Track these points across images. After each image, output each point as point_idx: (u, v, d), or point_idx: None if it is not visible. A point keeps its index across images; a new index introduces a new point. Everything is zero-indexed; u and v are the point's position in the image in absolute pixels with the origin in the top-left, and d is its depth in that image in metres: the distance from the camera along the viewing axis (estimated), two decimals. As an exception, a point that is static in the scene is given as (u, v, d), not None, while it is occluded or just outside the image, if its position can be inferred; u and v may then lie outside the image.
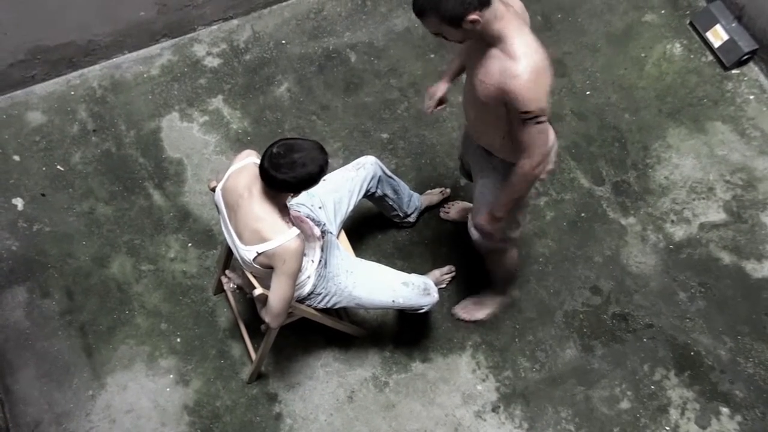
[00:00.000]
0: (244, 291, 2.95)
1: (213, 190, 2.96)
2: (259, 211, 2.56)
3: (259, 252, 2.61)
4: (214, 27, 4.15)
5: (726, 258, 3.49)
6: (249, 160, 2.68)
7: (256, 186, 2.57)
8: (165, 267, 3.53)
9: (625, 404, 3.22)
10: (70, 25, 3.80)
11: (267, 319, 2.73)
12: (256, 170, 2.58)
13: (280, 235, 2.55)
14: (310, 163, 2.48)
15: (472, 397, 3.26)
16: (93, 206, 3.66)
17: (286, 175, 2.46)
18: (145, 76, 4.01)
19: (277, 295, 2.64)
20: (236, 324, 3.33)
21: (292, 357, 3.33)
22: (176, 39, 4.11)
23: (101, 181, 3.72)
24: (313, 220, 2.91)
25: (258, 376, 3.28)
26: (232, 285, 2.93)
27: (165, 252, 3.56)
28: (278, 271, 2.60)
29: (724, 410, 3.19)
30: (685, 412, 3.20)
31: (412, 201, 3.49)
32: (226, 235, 2.75)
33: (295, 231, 2.56)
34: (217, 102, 3.94)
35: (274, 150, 2.47)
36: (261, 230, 2.56)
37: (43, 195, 3.68)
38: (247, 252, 2.62)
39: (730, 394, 3.22)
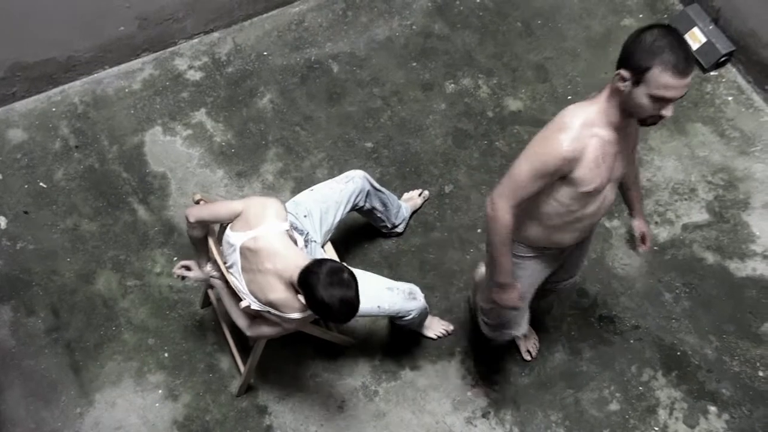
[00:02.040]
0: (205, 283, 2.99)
1: (197, 203, 2.97)
2: (280, 290, 2.58)
3: (267, 311, 2.66)
4: (195, 40, 4.16)
5: (710, 258, 3.52)
6: (280, 227, 2.63)
7: (280, 262, 2.56)
8: (151, 282, 3.52)
9: (614, 406, 3.24)
10: (50, 41, 3.79)
11: (247, 334, 2.82)
12: (286, 241, 2.60)
13: (293, 313, 2.60)
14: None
15: (462, 404, 3.26)
16: (77, 223, 3.65)
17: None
18: (126, 90, 4.00)
19: (265, 332, 2.78)
20: (224, 337, 3.32)
21: (281, 369, 3.32)
22: (157, 53, 4.11)
23: (85, 197, 3.71)
24: (296, 228, 2.91)
25: (247, 389, 3.27)
26: (190, 276, 2.93)
27: (151, 267, 3.55)
28: (278, 322, 2.70)
29: (712, 409, 3.21)
30: (674, 412, 3.22)
31: (401, 212, 3.50)
32: (228, 270, 2.76)
33: (308, 312, 2.58)
34: (199, 115, 3.94)
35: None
36: (277, 303, 2.61)
37: (26, 213, 3.66)
38: (253, 303, 2.67)
39: (717, 393, 3.24)
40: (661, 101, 2.08)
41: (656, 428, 3.19)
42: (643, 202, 2.82)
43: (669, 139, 3.80)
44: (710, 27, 3.90)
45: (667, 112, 2.11)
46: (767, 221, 3.57)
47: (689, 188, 3.67)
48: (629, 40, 2.09)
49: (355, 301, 2.47)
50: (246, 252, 2.63)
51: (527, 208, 2.41)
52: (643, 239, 2.80)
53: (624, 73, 2.08)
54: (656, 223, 3.60)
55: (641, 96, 2.08)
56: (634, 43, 2.06)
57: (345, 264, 2.54)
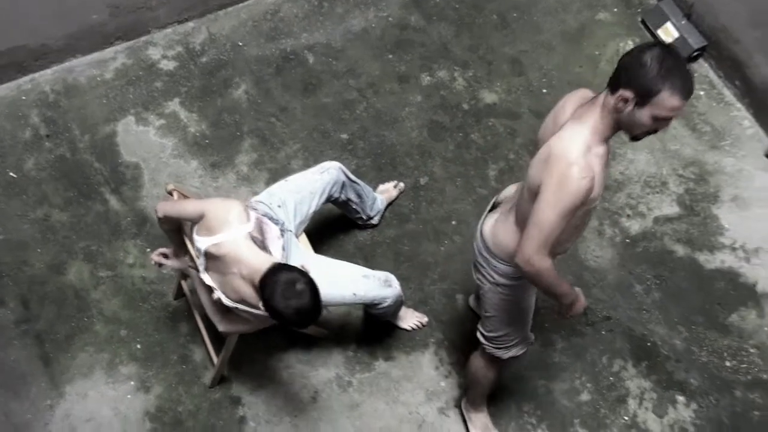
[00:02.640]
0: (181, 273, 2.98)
1: (170, 193, 2.95)
2: (250, 291, 2.56)
3: (237, 308, 2.66)
4: (169, 29, 4.12)
5: (680, 250, 3.56)
6: (241, 231, 2.61)
7: (244, 268, 2.55)
8: (124, 273, 3.49)
9: (585, 396, 3.27)
10: (19, 28, 3.73)
11: (220, 328, 2.83)
12: (248, 245, 2.58)
13: (260, 309, 2.58)
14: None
15: (435, 394, 3.28)
16: (48, 213, 3.60)
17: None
18: (98, 79, 3.96)
19: (238, 328, 2.80)
20: (197, 329, 3.30)
21: (255, 360, 3.31)
22: (130, 42, 4.07)
23: (56, 187, 3.67)
24: (271, 218, 2.91)
25: (220, 380, 3.27)
26: (168, 264, 2.92)
27: (123, 258, 3.52)
28: (251, 318, 2.70)
29: (680, 398, 3.26)
30: (643, 402, 3.26)
31: (376, 204, 3.51)
32: (197, 260, 2.75)
33: None
34: (173, 105, 3.91)
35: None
36: (250, 302, 2.60)
37: (-4, 202, 3.62)
38: (225, 300, 2.66)
39: (686, 383, 3.29)
40: (663, 121, 2.08)
41: (626, 418, 3.23)
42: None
43: (641, 133, 3.84)
44: (683, 22, 3.94)
45: (665, 126, 2.13)
46: (736, 214, 3.62)
47: (661, 181, 3.72)
48: (628, 61, 2.06)
49: (311, 310, 2.45)
50: (211, 256, 2.63)
51: None
52: None
53: (627, 94, 2.05)
54: (628, 216, 3.64)
55: (644, 116, 2.07)
56: (638, 65, 2.03)
57: (305, 268, 2.53)
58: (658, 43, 2.09)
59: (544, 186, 2.17)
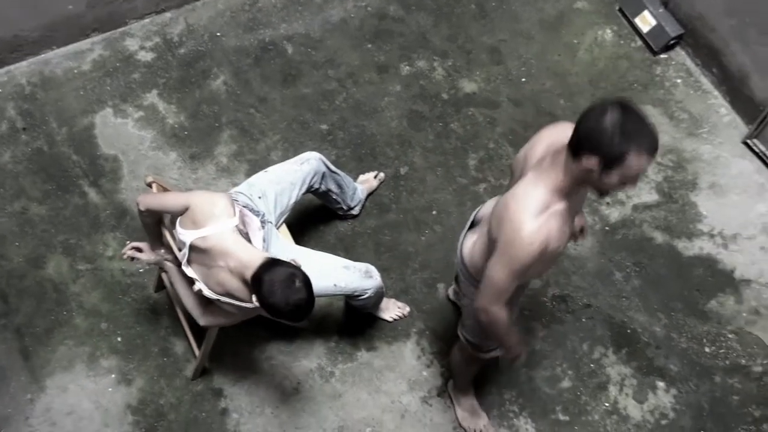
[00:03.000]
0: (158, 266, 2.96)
1: (150, 185, 2.93)
2: (237, 284, 2.56)
3: (222, 300, 2.64)
4: (147, 20, 4.08)
5: (659, 237, 3.59)
6: (228, 224, 2.60)
7: (232, 261, 2.54)
8: (103, 266, 3.47)
9: (566, 383, 3.29)
10: (-6, 20, 3.70)
11: (200, 323, 2.83)
12: (235, 238, 2.56)
13: (251, 302, 2.57)
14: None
15: (418, 383, 3.29)
16: (25, 206, 3.57)
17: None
18: (75, 71, 3.92)
19: (219, 321, 2.79)
20: (178, 321, 3.29)
21: (237, 351, 3.31)
22: (107, 33, 4.03)
23: (33, 180, 3.63)
24: (251, 210, 2.90)
25: (202, 372, 3.26)
26: (141, 258, 2.90)
27: (103, 250, 3.50)
28: (232, 311, 2.69)
29: (660, 384, 3.29)
30: (624, 388, 3.29)
31: (356, 194, 3.50)
32: (179, 253, 2.73)
33: None
34: (151, 97, 3.88)
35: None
36: (235, 295, 2.59)
37: (-28, 196, 3.59)
38: (207, 292, 2.64)
39: (666, 369, 3.32)
40: (632, 179, 2.01)
41: (607, 404, 3.26)
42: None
43: (620, 121, 3.85)
44: (660, 10, 3.96)
45: (634, 186, 2.05)
46: (713, 201, 3.66)
47: (639, 169, 3.74)
48: (589, 127, 1.95)
49: (308, 304, 2.46)
50: (196, 249, 2.62)
51: None
52: (581, 231, 2.71)
53: (592, 162, 1.96)
54: (608, 204, 3.66)
55: (612, 180, 2.00)
56: (599, 132, 1.93)
57: (296, 262, 2.52)
58: (616, 102, 1.97)
59: (497, 243, 2.18)
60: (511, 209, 2.13)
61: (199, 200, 2.64)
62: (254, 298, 2.48)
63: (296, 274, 2.43)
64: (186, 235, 2.61)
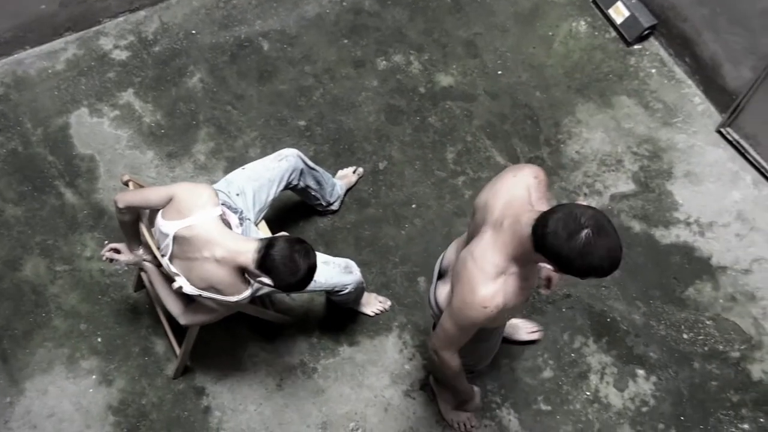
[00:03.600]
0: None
1: (126, 184, 2.91)
2: (222, 274, 2.55)
3: (205, 296, 2.63)
4: (121, 19, 4.06)
5: (636, 226, 3.62)
6: (213, 213, 2.60)
7: (218, 250, 2.53)
8: (81, 266, 3.44)
9: (547, 373, 3.32)
10: (-35, 20, 3.65)
11: (181, 322, 2.81)
12: (221, 227, 2.57)
13: (237, 295, 2.59)
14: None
15: (400, 377, 3.30)
16: (1, 208, 3.54)
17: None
18: (49, 71, 3.89)
19: (199, 319, 2.78)
20: (159, 320, 3.28)
21: (218, 349, 3.30)
22: (81, 32, 4.00)
23: (8, 181, 3.60)
24: (230, 207, 2.89)
25: (184, 371, 3.25)
26: (119, 258, 2.89)
27: (81, 251, 3.47)
28: (212, 308, 2.69)
29: (640, 372, 3.32)
30: (604, 377, 3.32)
31: (335, 190, 3.50)
32: (157, 251, 2.71)
33: (250, 290, 2.59)
34: (127, 96, 3.86)
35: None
36: (219, 288, 2.59)
37: (-54, 199, 3.54)
38: (189, 288, 2.63)
39: (645, 357, 3.35)
40: None
41: (588, 393, 3.28)
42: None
43: (596, 112, 3.89)
44: (633, 1, 3.99)
45: None
46: (689, 190, 3.69)
47: (616, 159, 3.77)
48: (553, 240, 1.88)
49: (316, 265, 2.52)
50: (180, 240, 2.60)
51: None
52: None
53: (549, 266, 1.96)
54: (585, 194, 3.68)
55: (567, 275, 1.98)
56: (563, 252, 1.88)
57: (283, 233, 2.57)
58: (589, 226, 1.86)
59: (452, 299, 2.19)
60: (468, 269, 2.12)
61: (184, 190, 2.64)
62: (265, 280, 2.48)
63: (299, 240, 2.48)
64: (169, 225, 2.59)
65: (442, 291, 2.51)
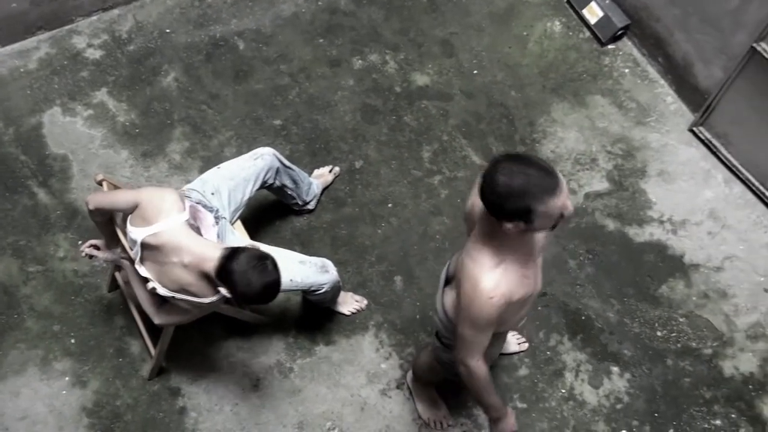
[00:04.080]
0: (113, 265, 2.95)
1: (100, 183, 2.89)
2: (191, 279, 2.54)
3: (178, 298, 2.62)
4: (94, 17, 4.02)
5: (610, 225, 3.65)
6: (179, 219, 2.58)
7: (186, 256, 2.53)
8: (55, 267, 3.41)
9: (523, 371, 3.33)
10: (-65, 18, 3.60)
11: (155, 321, 2.79)
12: (187, 232, 2.56)
13: (207, 297, 2.58)
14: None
15: (376, 376, 3.30)
16: (-28, 208, 3.50)
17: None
18: (22, 70, 3.84)
19: (174, 319, 2.77)
20: (133, 320, 3.25)
21: (194, 350, 3.28)
22: (53, 31, 3.96)
23: (-20, 181, 3.56)
24: (205, 206, 2.88)
25: (159, 372, 3.22)
26: (99, 255, 2.87)
27: (54, 251, 3.44)
28: (186, 309, 2.68)
29: (615, 369, 3.35)
30: (579, 374, 3.34)
31: (311, 189, 3.50)
32: (130, 251, 2.69)
33: (221, 293, 2.56)
34: (101, 95, 3.82)
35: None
36: (191, 290, 2.57)
37: None
38: (161, 290, 2.62)
39: (619, 354, 3.38)
40: (560, 215, 2.01)
41: (563, 390, 3.31)
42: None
43: (570, 111, 3.91)
44: (607, 1, 4.03)
45: (568, 210, 2.02)
46: (662, 188, 3.73)
47: (590, 158, 3.80)
48: (487, 193, 1.98)
49: (278, 282, 2.48)
50: (148, 246, 2.59)
51: None
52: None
53: (509, 225, 1.99)
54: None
55: (543, 225, 2.03)
56: (498, 196, 1.95)
57: (254, 245, 2.56)
58: (496, 163, 1.97)
59: (460, 304, 2.20)
60: (468, 268, 2.16)
61: (148, 196, 2.62)
62: (222, 290, 2.47)
63: (262, 256, 2.45)
64: (136, 232, 2.58)
65: (449, 297, 2.51)
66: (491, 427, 2.56)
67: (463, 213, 2.38)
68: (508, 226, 2.00)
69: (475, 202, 2.23)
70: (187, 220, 2.59)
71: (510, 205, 1.96)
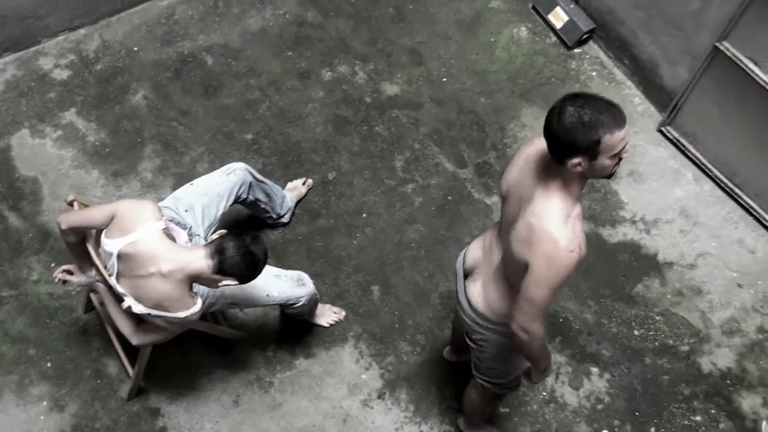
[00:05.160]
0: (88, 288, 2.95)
1: (71, 204, 2.86)
2: (169, 289, 2.53)
3: (154, 315, 2.60)
4: (60, 38, 4.00)
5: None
6: (155, 227, 2.58)
7: (165, 265, 2.51)
8: (28, 290, 3.37)
9: (503, 375, 3.34)
10: None
11: (133, 342, 2.77)
12: (164, 240, 2.56)
13: (185, 311, 2.57)
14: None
15: (357, 387, 3.29)
16: (-58, 234, 3.45)
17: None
18: (-12, 93, 3.81)
19: (151, 338, 2.74)
20: (110, 341, 3.22)
21: (172, 368, 3.26)
22: (20, 53, 3.94)
23: (-51, 207, 3.52)
24: (178, 223, 2.86)
25: (138, 392, 3.19)
26: (73, 280, 2.86)
27: (27, 275, 3.40)
28: (163, 327, 2.67)
29: (594, 370, 3.37)
30: (559, 376, 3.36)
31: (285, 202, 3.50)
32: (104, 271, 2.67)
33: (199, 305, 2.58)
34: (70, 115, 3.80)
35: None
36: (166, 305, 2.57)
37: None
38: (137, 308, 2.60)
39: (598, 354, 3.40)
40: (620, 153, 2.07)
41: (544, 393, 3.32)
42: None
43: (540, 116, 3.94)
44: (571, 6, 4.07)
45: (626, 153, 2.09)
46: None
47: (562, 162, 3.82)
48: (550, 130, 2.04)
49: (266, 247, 2.63)
50: (125, 258, 2.57)
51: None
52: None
53: (575, 160, 2.03)
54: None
55: (603, 163, 2.06)
56: (562, 131, 2.01)
57: (221, 232, 2.60)
58: (564, 99, 2.05)
59: (533, 266, 2.16)
60: (539, 228, 2.14)
61: (125, 207, 2.62)
62: (226, 281, 2.53)
63: (240, 234, 2.54)
64: (113, 244, 2.56)
65: (475, 290, 2.50)
66: (533, 374, 2.57)
67: (503, 184, 2.36)
68: (574, 161, 2.03)
69: (523, 169, 2.25)
70: (164, 230, 2.58)
71: (579, 135, 2.00)
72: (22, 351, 3.25)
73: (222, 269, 2.49)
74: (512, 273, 2.31)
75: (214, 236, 2.58)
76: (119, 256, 2.56)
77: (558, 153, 2.07)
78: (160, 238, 2.56)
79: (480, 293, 2.48)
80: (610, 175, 2.16)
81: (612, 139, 2.01)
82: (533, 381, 2.61)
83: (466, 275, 2.55)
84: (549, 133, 2.06)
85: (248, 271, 2.54)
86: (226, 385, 3.25)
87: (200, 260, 2.49)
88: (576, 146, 2.02)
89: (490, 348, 2.57)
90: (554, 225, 2.13)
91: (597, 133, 2.00)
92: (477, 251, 2.54)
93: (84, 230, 2.76)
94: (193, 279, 2.54)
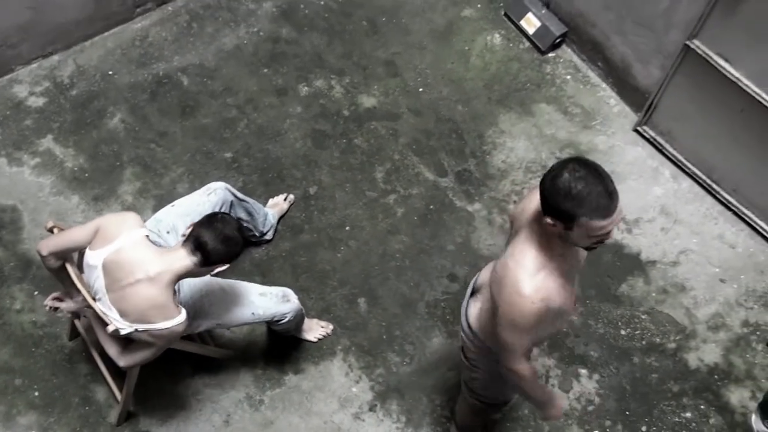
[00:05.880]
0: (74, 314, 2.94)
1: (51, 231, 2.85)
2: (156, 294, 2.53)
3: (139, 330, 2.59)
4: (34, 65, 3.98)
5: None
6: (140, 234, 2.59)
7: (152, 268, 2.52)
8: (11, 320, 3.34)
9: (493, 381, 3.35)
10: None
11: (120, 364, 2.75)
12: (149, 245, 2.57)
13: (170, 321, 2.56)
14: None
15: (348, 400, 3.29)
16: None
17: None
18: (-37, 123, 3.79)
19: (138, 358, 2.71)
20: (97, 367, 3.20)
21: (161, 390, 3.24)
22: (-7, 82, 3.92)
23: (-72, 239, 3.49)
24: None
25: (127, 417, 3.17)
26: (63, 306, 2.84)
27: (10, 304, 3.37)
28: (150, 344, 2.64)
29: (583, 371, 3.38)
30: (549, 379, 3.36)
31: (268, 219, 3.49)
32: (87, 295, 2.65)
33: (183, 315, 2.58)
34: (47, 142, 3.78)
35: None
36: (151, 315, 2.55)
37: None
38: (121, 325, 2.58)
39: (586, 356, 3.41)
40: (600, 236, 2.02)
41: (534, 397, 3.32)
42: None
43: (518, 121, 3.97)
44: (543, 11, 4.11)
45: (609, 238, 2.05)
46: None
47: (541, 165, 3.85)
48: (546, 183, 1.99)
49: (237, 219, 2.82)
50: (110, 267, 2.56)
51: None
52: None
53: (551, 221, 2.01)
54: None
55: (578, 237, 2.03)
56: (553, 190, 1.97)
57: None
58: (571, 162, 1.98)
59: (499, 308, 2.19)
60: (510, 270, 2.15)
61: (108, 219, 2.66)
62: (219, 268, 2.58)
63: (208, 220, 2.58)
64: (97, 255, 2.56)
65: (473, 309, 2.51)
66: (539, 413, 2.56)
67: (510, 215, 2.38)
68: (549, 221, 2.01)
69: (526, 207, 2.23)
70: (147, 236, 2.59)
71: (560, 203, 1.96)
72: (8, 381, 3.22)
73: (208, 261, 2.54)
74: (494, 307, 2.27)
75: (187, 231, 2.58)
76: (104, 267, 2.56)
77: (542, 205, 2.04)
78: (144, 244, 2.57)
79: (476, 314, 2.49)
80: (588, 249, 2.12)
81: (589, 223, 1.96)
82: (542, 419, 2.59)
83: (474, 293, 2.56)
84: (542, 184, 2.02)
85: (233, 252, 2.59)
86: (216, 405, 3.24)
87: (184, 259, 2.53)
88: (553, 209, 1.99)
89: (482, 367, 2.59)
90: (525, 272, 2.12)
91: (576, 210, 1.95)
92: (486, 271, 2.55)
93: (66, 253, 2.74)
94: (182, 276, 2.57)
